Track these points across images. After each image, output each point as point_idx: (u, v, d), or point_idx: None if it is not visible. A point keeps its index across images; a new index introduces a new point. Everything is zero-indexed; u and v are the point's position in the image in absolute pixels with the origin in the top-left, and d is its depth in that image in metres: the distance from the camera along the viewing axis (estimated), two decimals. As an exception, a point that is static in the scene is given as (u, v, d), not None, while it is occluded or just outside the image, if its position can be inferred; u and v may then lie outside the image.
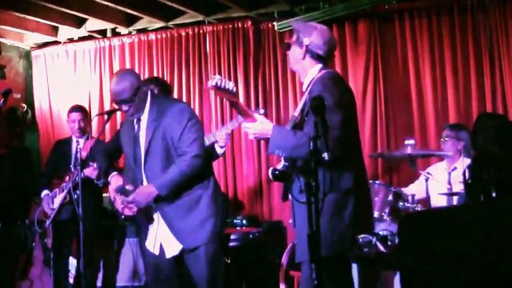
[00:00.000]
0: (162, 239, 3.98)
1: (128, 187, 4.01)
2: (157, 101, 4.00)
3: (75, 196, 4.64)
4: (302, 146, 2.98)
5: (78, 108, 5.73)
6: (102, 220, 5.76)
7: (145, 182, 4.00)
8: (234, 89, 3.08)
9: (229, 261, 5.23)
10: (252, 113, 3.24)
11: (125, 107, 3.93)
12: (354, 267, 4.19)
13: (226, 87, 3.02)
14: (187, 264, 3.98)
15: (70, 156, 5.57)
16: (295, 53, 3.39)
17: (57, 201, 5.38)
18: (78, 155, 4.58)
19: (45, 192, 5.50)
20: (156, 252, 4.00)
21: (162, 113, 3.92)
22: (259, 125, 3.19)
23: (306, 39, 3.33)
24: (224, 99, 3.21)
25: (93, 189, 5.33)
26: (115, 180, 4.72)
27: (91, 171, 5.11)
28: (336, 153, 2.96)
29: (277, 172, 3.20)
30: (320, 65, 3.36)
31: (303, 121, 3.23)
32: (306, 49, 3.33)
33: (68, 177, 5.39)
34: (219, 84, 2.99)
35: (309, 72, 3.37)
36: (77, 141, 5.61)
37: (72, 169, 5.38)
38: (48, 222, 5.41)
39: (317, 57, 3.35)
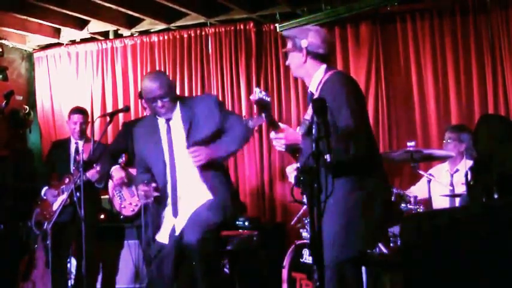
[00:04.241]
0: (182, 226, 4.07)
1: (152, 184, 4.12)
2: (182, 100, 4.21)
3: (76, 198, 4.66)
4: (339, 151, 2.91)
5: (80, 111, 5.71)
6: (100, 222, 5.78)
7: (180, 179, 4.09)
8: (269, 99, 3.08)
9: (227, 264, 5.23)
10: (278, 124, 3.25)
11: (159, 104, 4.03)
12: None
13: (266, 101, 3.03)
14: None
15: (68, 158, 5.57)
16: (295, 59, 3.34)
17: (58, 203, 5.38)
18: (80, 157, 4.59)
19: (45, 188, 5.51)
20: (166, 241, 4.08)
21: (191, 107, 4.11)
22: (290, 135, 3.17)
23: (303, 41, 3.28)
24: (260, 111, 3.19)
25: (93, 191, 5.33)
26: (117, 171, 4.75)
27: (93, 174, 5.14)
28: (361, 151, 3.00)
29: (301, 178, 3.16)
30: (324, 65, 3.31)
31: None
32: (306, 51, 3.28)
33: (67, 179, 5.38)
34: (263, 99, 3.01)
35: (314, 75, 3.32)
36: (76, 143, 5.60)
37: (74, 171, 5.39)
38: (47, 224, 5.40)
39: (319, 58, 3.30)
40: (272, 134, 3.22)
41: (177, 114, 4.13)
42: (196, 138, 4.05)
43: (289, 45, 3.36)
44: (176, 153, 4.10)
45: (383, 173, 3.32)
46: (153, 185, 4.08)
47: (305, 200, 3.18)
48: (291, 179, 3.24)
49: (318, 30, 3.34)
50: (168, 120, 4.12)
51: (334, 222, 3.03)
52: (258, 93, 2.98)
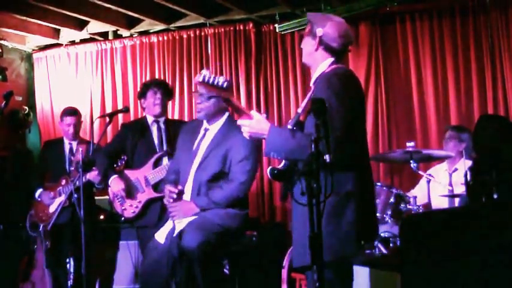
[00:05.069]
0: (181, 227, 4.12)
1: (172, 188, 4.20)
2: (232, 122, 4.21)
3: (75, 199, 4.66)
4: (303, 148, 2.80)
5: (71, 112, 5.63)
6: (99, 223, 5.78)
7: (189, 185, 4.17)
8: (225, 84, 3.00)
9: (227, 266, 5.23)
10: (249, 111, 3.06)
11: (198, 99, 4.13)
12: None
13: (215, 82, 2.94)
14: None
15: (63, 158, 5.53)
16: (307, 45, 3.19)
17: (55, 205, 5.35)
18: (79, 158, 4.58)
19: (40, 190, 5.45)
20: (162, 241, 4.11)
21: (232, 133, 4.12)
22: (255, 123, 3.00)
23: (319, 30, 3.11)
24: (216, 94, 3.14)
25: (89, 192, 5.32)
26: (115, 183, 4.74)
27: (95, 176, 5.10)
28: (336, 154, 2.73)
29: (276, 171, 3.08)
30: (331, 59, 3.15)
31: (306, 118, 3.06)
32: (319, 40, 3.12)
33: (64, 181, 5.35)
34: (206, 80, 2.92)
35: (319, 65, 3.16)
36: (70, 144, 5.57)
37: (73, 172, 5.36)
38: (43, 226, 5.38)
39: (330, 50, 3.14)
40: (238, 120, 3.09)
41: (216, 127, 4.22)
42: (210, 160, 4.14)
43: (307, 29, 3.21)
44: (197, 161, 4.18)
45: (364, 177, 3.13)
46: (180, 187, 4.19)
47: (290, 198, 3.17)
48: (268, 172, 3.16)
49: (338, 23, 3.16)
50: (206, 130, 4.22)
51: (305, 226, 2.74)
52: (202, 75, 2.92)
